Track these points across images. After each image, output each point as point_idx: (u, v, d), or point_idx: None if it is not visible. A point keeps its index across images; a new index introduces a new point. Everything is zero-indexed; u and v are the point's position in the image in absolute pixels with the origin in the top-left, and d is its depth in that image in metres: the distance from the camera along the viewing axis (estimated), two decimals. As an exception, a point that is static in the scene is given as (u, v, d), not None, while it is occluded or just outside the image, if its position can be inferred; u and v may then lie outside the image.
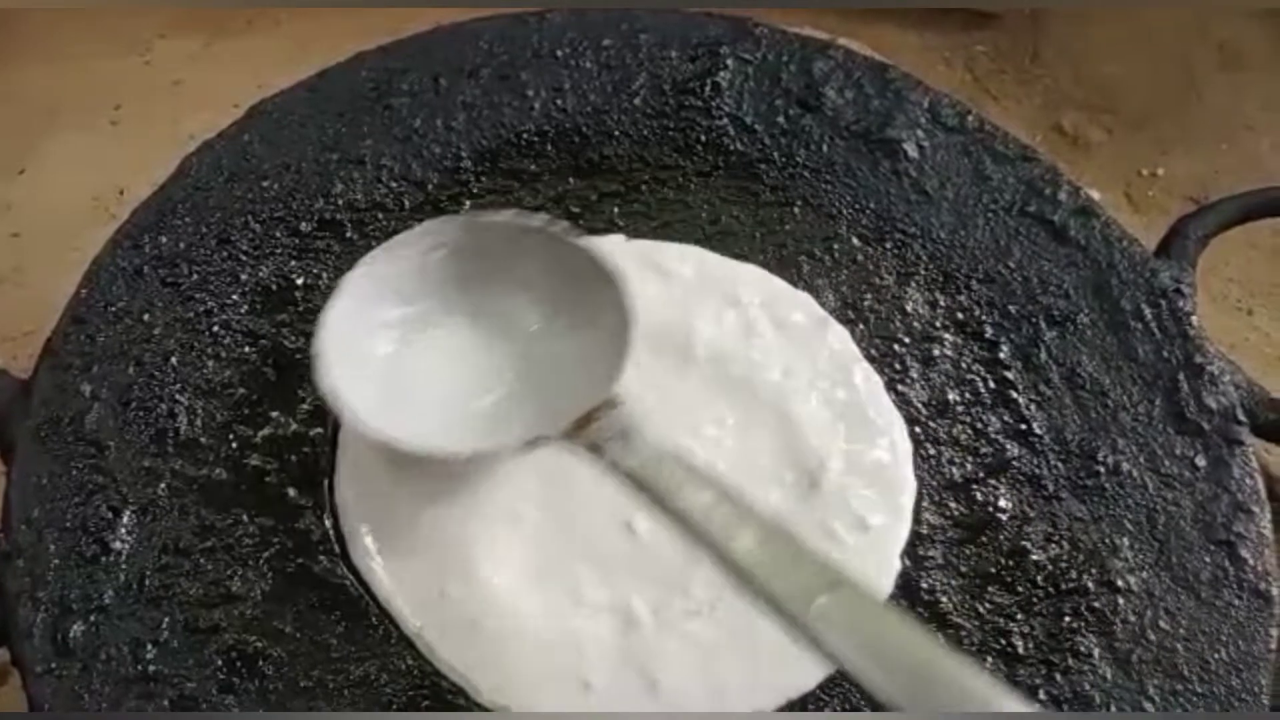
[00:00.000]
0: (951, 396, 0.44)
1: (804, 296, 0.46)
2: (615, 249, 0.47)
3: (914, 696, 0.27)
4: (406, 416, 0.38)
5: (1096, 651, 0.38)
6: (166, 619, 0.38)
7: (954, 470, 0.42)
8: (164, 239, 0.46)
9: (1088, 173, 0.78)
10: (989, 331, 0.45)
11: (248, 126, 0.50)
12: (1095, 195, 0.51)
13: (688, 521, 0.33)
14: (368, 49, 0.53)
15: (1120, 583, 0.39)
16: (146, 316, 0.44)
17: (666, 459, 0.35)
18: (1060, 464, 0.42)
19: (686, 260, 0.46)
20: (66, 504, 0.40)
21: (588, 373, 0.38)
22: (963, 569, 0.40)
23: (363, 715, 0.36)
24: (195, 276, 0.45)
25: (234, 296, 0.45)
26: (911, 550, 0.40)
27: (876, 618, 0.30)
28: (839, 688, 0.37)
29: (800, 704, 0.37)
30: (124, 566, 0.39)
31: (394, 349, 0.40)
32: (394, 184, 0.48)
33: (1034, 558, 0.40)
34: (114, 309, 0.44)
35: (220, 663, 0.37)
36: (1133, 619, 0.39)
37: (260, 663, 0.37)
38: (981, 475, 0.42)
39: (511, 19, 0.54)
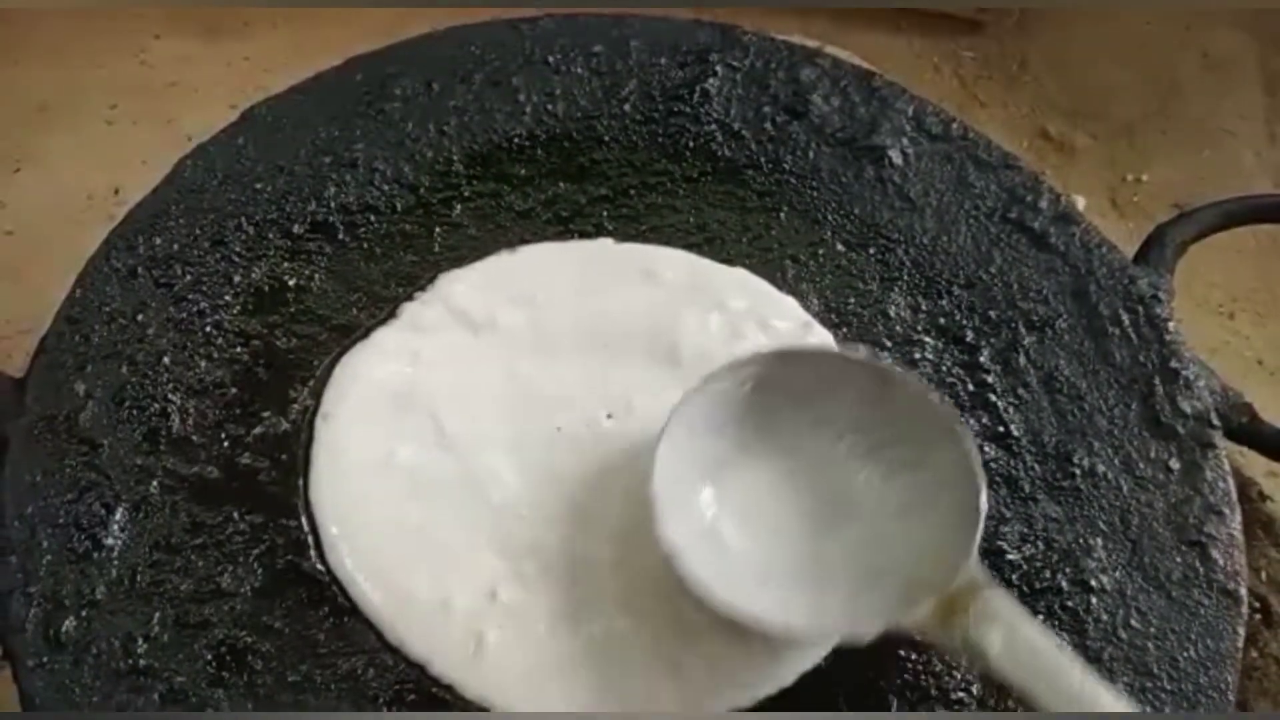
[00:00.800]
0: (932, 399, 0.44)
1: (789, 301, 0.47)
2: (602, 252, 0.48)
3: None
4: (735, 573, 0.36)
5: (1069, 649, 0.39)
6: (157, 614, 0.38)
7: (933, 472, 0.43)
8: (158, 240, 0.47)
9: (1073, 178, 0.79)
10: (969, 336, 0.46)
11: (242, 129, 0.50)
12: (1080, 200, 0.52)
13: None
14: (361, 53, 0.53)
15: (1093, 582, 0.40)
16: (140, 316, 0.45)
17: (1048, 656, 0.32)
18: (1037, 466, 0.43)
19: (674, 264, 0.47)
20: (60, 501, 0.40)
21: (929, 540, 0.35)
22: (940, 568, 0.40)
23: (356, 715, 0.37)
24: (189, 277, 0.46)
25: (227, 297, 0.46)
26: (891, 550, 0.40)
27: None
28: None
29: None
30: (116, 562, 0.39)
31: (712, 493, 0.38)
32: (386, 187, 0.49)
33: (1009, 557, 0.41)
34: (108, 309, 0.45)
35: (210, 657, 0.38)
36: (1105, 618, 0.39)
37: (249, 658, 0.38)
38: (959, 477, 0.43)
39: (504, 24, 0.54)
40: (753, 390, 0.39)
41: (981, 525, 0.34)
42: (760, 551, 0.37)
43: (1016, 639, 0.33)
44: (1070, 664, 0.33)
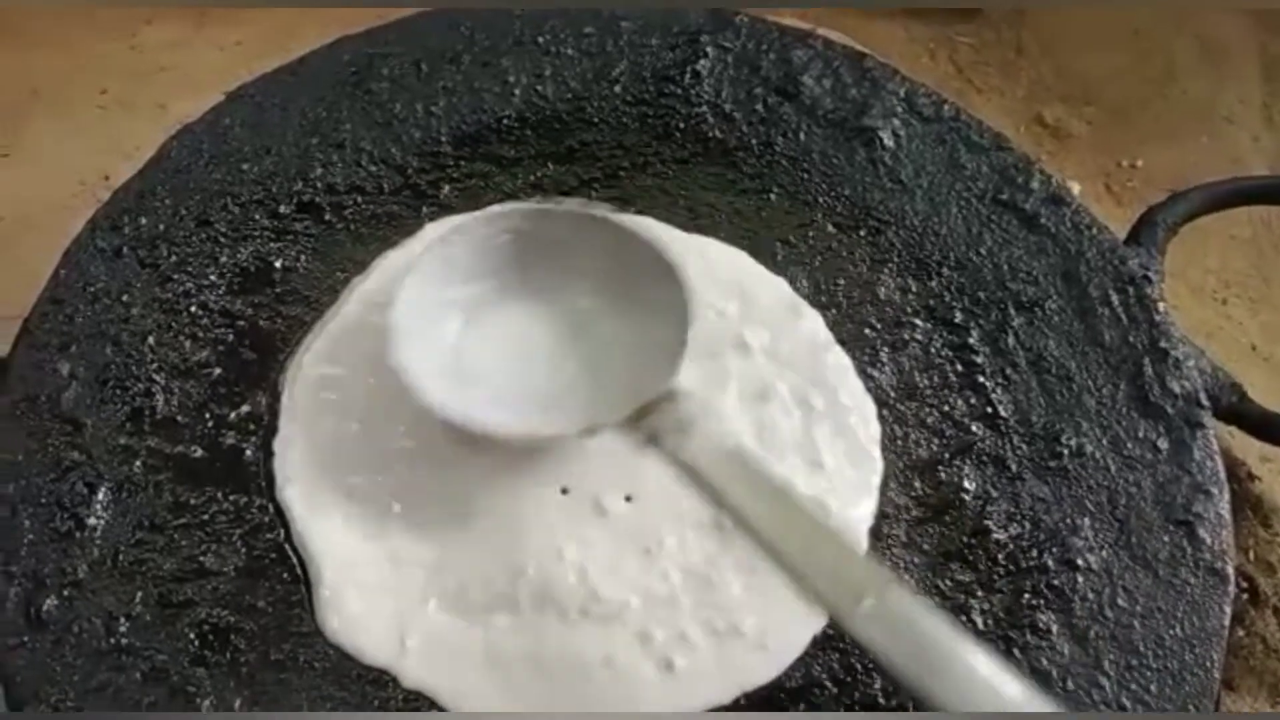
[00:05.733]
0: (920, 380, 0.44)
1: (779, 281, 0.46)
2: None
3: (955, 697, 0.28)
4: (469, 394, 0.39)
5: (1055, 628, 0.39)
6: (140, 593, 0.38)
7: (920, 451, 0.42)
8: (143, 220, 0.46)
9: (1068, 164, 0.78)
10: (959, 317, 0.46)
11: (228, 110, 0.50)
12: (1075, 186, 0.51)
13: (740, 518, 0.34)
14: (349, 33, 0.53)
15: (1080, 561, 0.40)
16: (125, 297, 0.45)
17: (723, 454, 0.35)
18: (1024, 445, 0.43)
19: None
20: (42, 480, 0.40)
21: (646, 362, 0.39)
22: (926, 547, 0.40)
23: (356, 715, 0.36)
24: (174, 258, 0.46)
25: (212, 278, 0.45)
26: (876, 528, 0.40)
27: (920, 621, 0.30)
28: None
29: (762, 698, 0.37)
30: (98, 542, 0.39)
31: (459, 327, 0.41)
32: (373, 167, 0.49)
33: (996, 537, 0.41)
34: (92, 289, 0.45)
35: (192, 636, 0.37)
36: (1091, 597, 0.39)
37: (232, 636, 0.37)
38: (947, 456, 0.42)
39: (493, 5, 0.54)
40: (509, 241, 0.42)
41: (686, 348, 0.38)
42: (499, 376, 0.40)
43: (697, 438, 0.36)
44: (748, 461, 0.35)
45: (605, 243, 0.42)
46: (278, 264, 0.46)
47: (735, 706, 0.37)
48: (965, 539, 0.40)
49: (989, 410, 0.44)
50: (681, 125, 0.51)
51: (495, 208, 0.44)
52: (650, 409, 0.37)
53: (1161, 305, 0.46)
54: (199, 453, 0.41)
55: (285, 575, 0.39)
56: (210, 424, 0.42)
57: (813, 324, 0.45)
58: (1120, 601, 0.39)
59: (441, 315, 0.41)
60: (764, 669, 0.37)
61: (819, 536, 0.33)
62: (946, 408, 0.44)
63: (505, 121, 0.51)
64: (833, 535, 0.34)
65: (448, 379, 0.39)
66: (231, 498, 0.40)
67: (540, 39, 0.53)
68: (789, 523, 0.33)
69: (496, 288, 0.42)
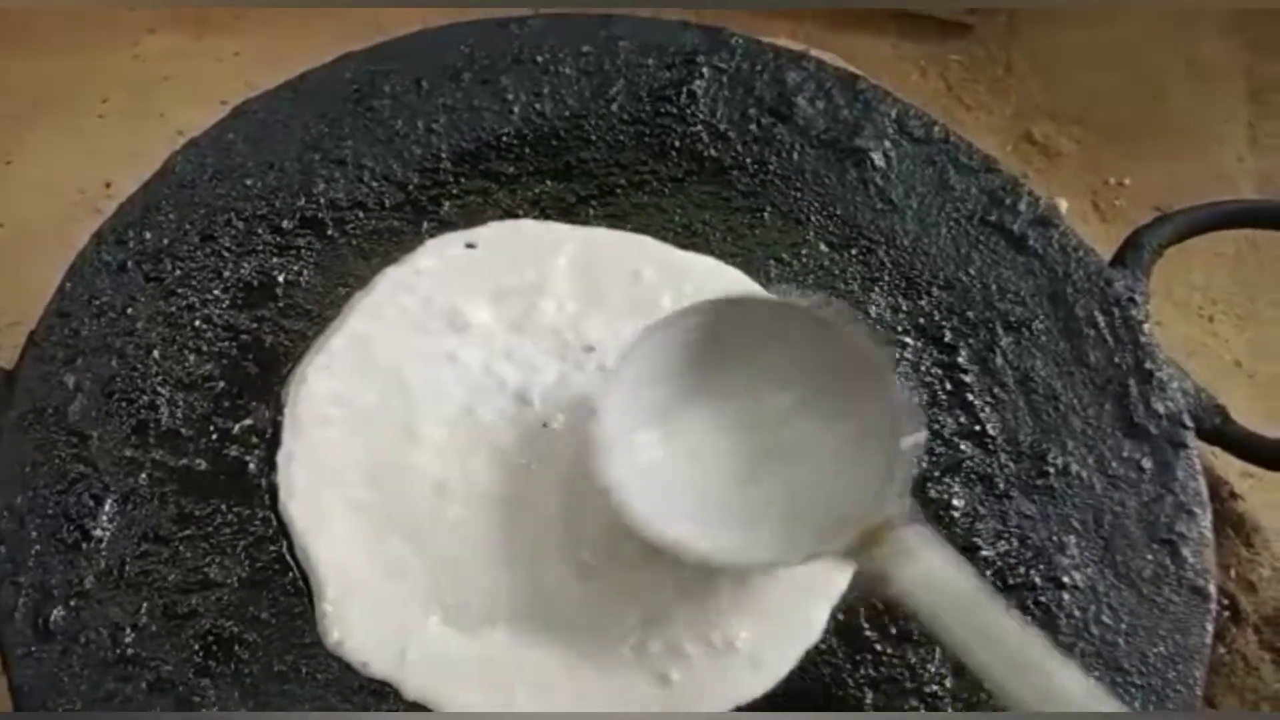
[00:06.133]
0: (910, 398, 0.45)
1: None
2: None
3: None
4: (671, 509, 0.37)
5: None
6: (145, 604, 0.39)
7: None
8: (148, 235, 0.47)
9: (1056, 182, 0.80)
10: (948, 336, 0.47)
11: (232, 125, 0.51)
12: (1063, 204, 0.52)
13: (983, 666, 0.32)
14: (351, 51, 0.54)
15: (1066, 579, 0.41)
16: (130, 310, 0.45)
17: (953, 595, 0.34)
18: (1012, 464, 0.44)
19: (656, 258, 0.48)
20: (49, 491, 0.41)
21: (856, 477, 0.37)
22: (915, 564, 0.41)
23: (352, 715, 0.37)
24: (178, 272, 0.46)
25: (216, 292, 0.46)
26: (868, 545, 0.41)
27: None
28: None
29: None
30: (104, 553, 0.40)
31: (654, 436, 0.39)
32: (375, 184, 0.50)
33: (984, 553, 0.42)
34: (98, 303, 0.45)
35: (197, 646, 0.38)
36: (1077, 614, 0.40)
37: (236, 647, 0.38)
38: (936, 474, 0.43)
39: (493, 24, 0.55)
40: (698, 339, 0.40)
41: (903, 467, 0.36)
42: (697, 490, 0.39)
43: (926, 570, 0.34)
44: (979, 599, 0.34)
45: (802, 335, 0.39)
46: (281, 279, 0.47)
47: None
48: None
49: (977, 429, 0.45)
50: (677, 144, 0.52)
51: (687, 305, 0.41)
52: (874, 538, 0.35)
53: (1146, 327, 0.47)
54: (203, 465, 0.42)
55: (288, 587, 0.39)
56: (214, 437, 0.43)
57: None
58: (1105, 619, 0.40)
59: (638, 425, 0.39)
60: (757, 683, 0.38)
61: (1063, 686, 0.32)
62: (936, 425, 0.45)
63: (504, 139, 0.51)
64: (1079, 685, 0.32)
65: (649, 492, 0.37)
66: (235, 510, 0.41)
67: (539, 58, 0.54)
68: (1035, 670, 0.32)
69: (687, 388, 0.40)
